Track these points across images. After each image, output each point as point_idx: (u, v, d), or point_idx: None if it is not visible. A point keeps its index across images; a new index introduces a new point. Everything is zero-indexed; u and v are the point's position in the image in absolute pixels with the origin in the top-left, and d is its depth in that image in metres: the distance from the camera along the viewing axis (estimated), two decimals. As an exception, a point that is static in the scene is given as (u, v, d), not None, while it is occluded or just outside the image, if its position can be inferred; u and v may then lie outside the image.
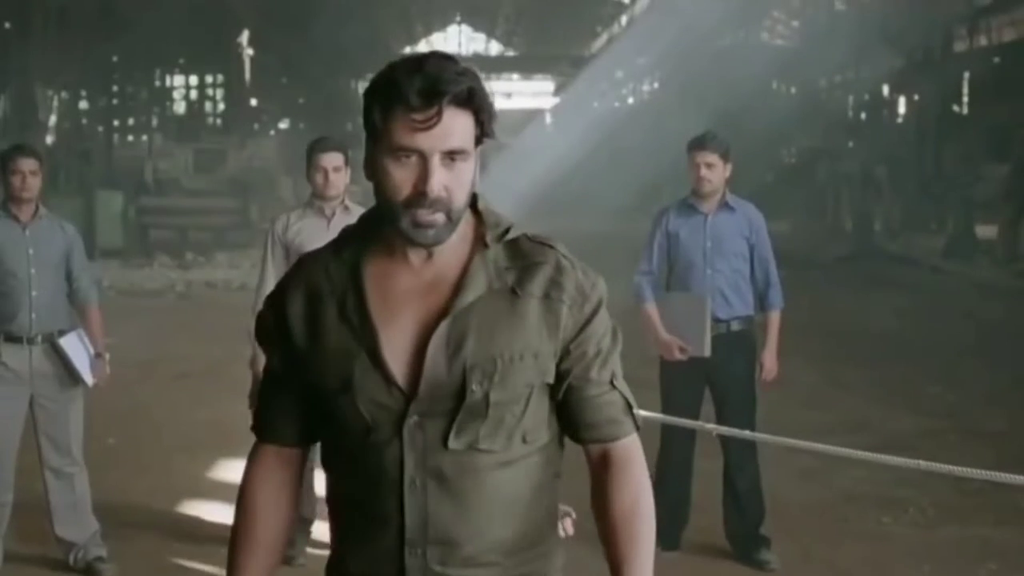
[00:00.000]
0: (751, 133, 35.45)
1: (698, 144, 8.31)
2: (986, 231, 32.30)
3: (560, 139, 47.69)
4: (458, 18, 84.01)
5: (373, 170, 2.80)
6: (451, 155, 2.72)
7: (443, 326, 2.77)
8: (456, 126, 2.72)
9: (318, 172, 8.06)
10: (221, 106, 59.46)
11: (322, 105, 57.61)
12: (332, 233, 8.37)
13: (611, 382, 2.94)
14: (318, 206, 8.16)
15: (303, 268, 2.98)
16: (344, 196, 8.24)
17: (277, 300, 2.97)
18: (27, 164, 7.75)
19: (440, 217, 2.73)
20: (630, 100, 61.07)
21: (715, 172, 8.25)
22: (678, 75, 48.04)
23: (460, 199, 2.77)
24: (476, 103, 2.75)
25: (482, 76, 2.84)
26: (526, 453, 2.86)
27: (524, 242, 2.90)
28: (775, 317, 8.55)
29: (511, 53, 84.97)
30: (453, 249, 2.84)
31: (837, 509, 9.61)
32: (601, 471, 2.95)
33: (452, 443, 2.78)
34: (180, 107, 58.99)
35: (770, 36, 58.25)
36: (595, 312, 2.89)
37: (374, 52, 67.15)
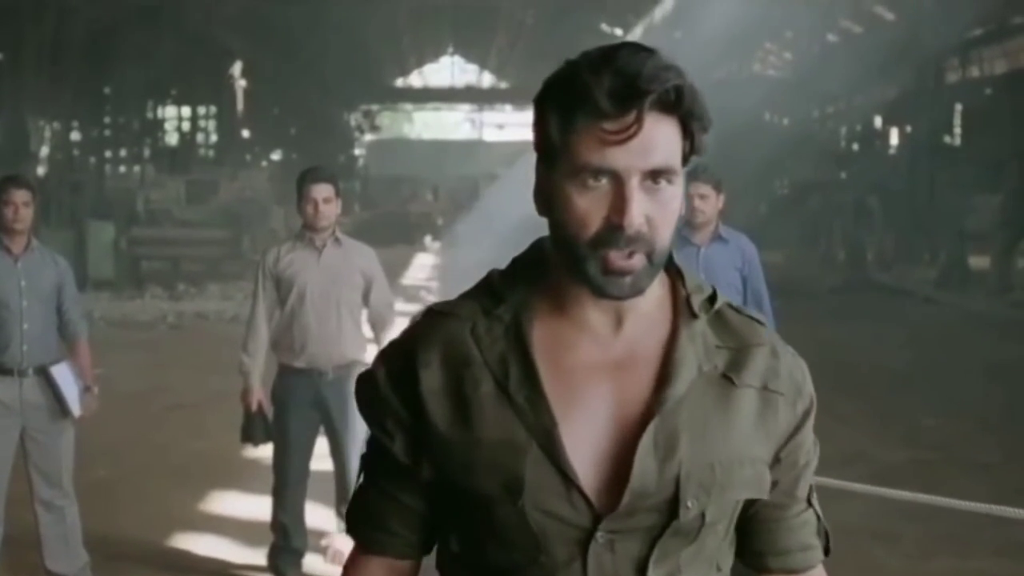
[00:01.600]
0: (744, 164, 35.52)
1: (691, 176, 8.25)
2: (979, 262, 32.33)
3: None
4: (451, 49, 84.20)
5: (547, 200, 2.18)
6: (654, 176, 2.09)
7: (654, 423, 2.13)
8: (660, 137, 2.08)
9: (308, 203, 8.04)
10: (213, 137, 59.57)
11: (314, 136, 57.74)
12: (323, 265, 8.43)
13: (808, 499, 2.42)
14: (309, 238, 8.14)
15: (437, 324, 2.27)
16: (335, 228, 8.22)
17: (401, 364, 2.27)
18: (20, 195, 7.71)
19: (639, 261, 2.10)
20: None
21: (708, 203, 8.24)
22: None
23: (664, 236, 2.14)
24: (685, 107, 2.10)
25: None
26: None
27: (731, 314, 2.30)
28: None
29: (504, 85, 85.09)
30: (649, 316, 2.23)
31: (831, 541, 9.56)
32: None
33: (652, 572, 2.17)
34: (172, 138, 59.02)
35: (763, 67, 58.42)
36: (808, 411, 2.32)
37: (366, 83, 67.48)
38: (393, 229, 48.84)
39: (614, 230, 2.07)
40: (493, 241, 35.52)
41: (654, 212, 2.10)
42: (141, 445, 12.79)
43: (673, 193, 2.14)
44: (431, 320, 2.30)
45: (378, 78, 74.19)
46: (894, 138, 45.79)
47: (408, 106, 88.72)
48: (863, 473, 10.35)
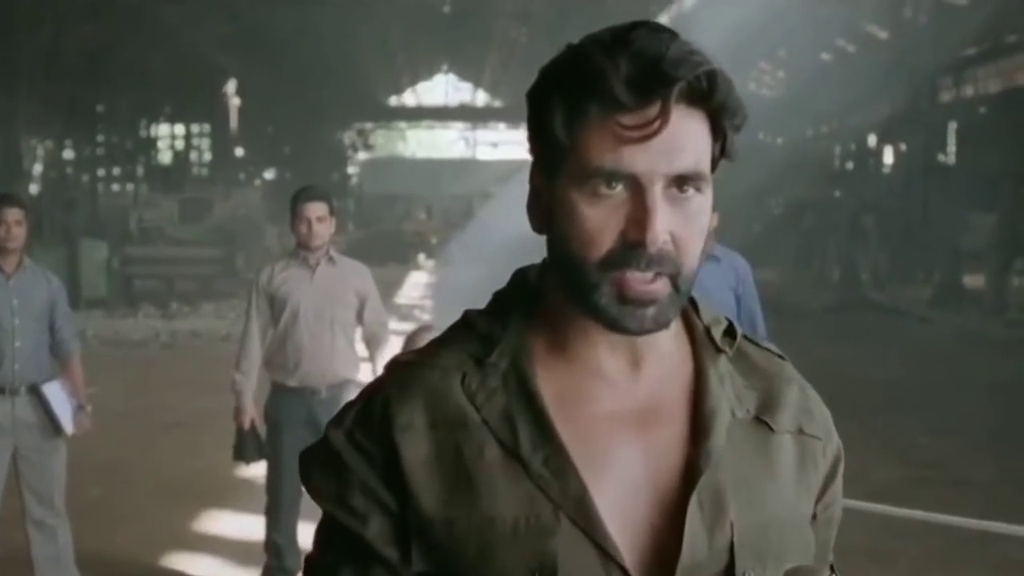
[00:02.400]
0: (738, 183, 35.55)
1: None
2: (973, 281, 32.38)
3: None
4: (445, 67, 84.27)
5: (546, 213, 1.83)
6: (680, 183, 1.72)
7: (699, 485, 1.78)
8: (688, 135, 1.72)
9: (302, 222, 8.03)
10: (207, 156, 59.59)
11: (308, 154, 57.80)
12: (317, 284, 8.40)
13: (831, 565, 2.10)
14: (303, 256, 8.13)
15: (412, 378, 1.83)
16: (329, 246, 8.21)
17: (369, 427, 1.80)
18: (12, 214, 7.70)
19: (663, 286, 1.72)
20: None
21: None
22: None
23: (692, 256, 1.75)
24: (718, 99, 1.73)
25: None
26: None
27: (751, 348, 1.97)
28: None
29: (498, 103, 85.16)
30: (669, 355, 1.87)
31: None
32: None
33: None
34: (166, 157, 59.02)
35: (757, 87, 58.47)
36: (839, 456, 2.01)
37: (360, 102, 67.56)
38: (387, 248, 48.85)
39: (632, 248, 1.70)
40: (487, 260, 35.55)
41: (680, 226, 1.73)
42: (134, 464, 12.76)
43: (702, 204, 1.76)
44: (403, 372, 1.85)
45: (372, 96, 74.27)
46: (888, 157, 45.86)
47: (402, 124, 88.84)
48: (858, 491, 10.31)
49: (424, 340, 5.60)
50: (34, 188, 40.18)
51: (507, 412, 1.77)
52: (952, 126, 39.97)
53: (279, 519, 8.23)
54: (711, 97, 1.72)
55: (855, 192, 42.05)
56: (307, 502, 8.36)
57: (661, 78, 1.66)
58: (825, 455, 1.95)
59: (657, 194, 1.69)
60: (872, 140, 45.92)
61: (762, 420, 1.87)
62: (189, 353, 23.20)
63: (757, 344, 1.98)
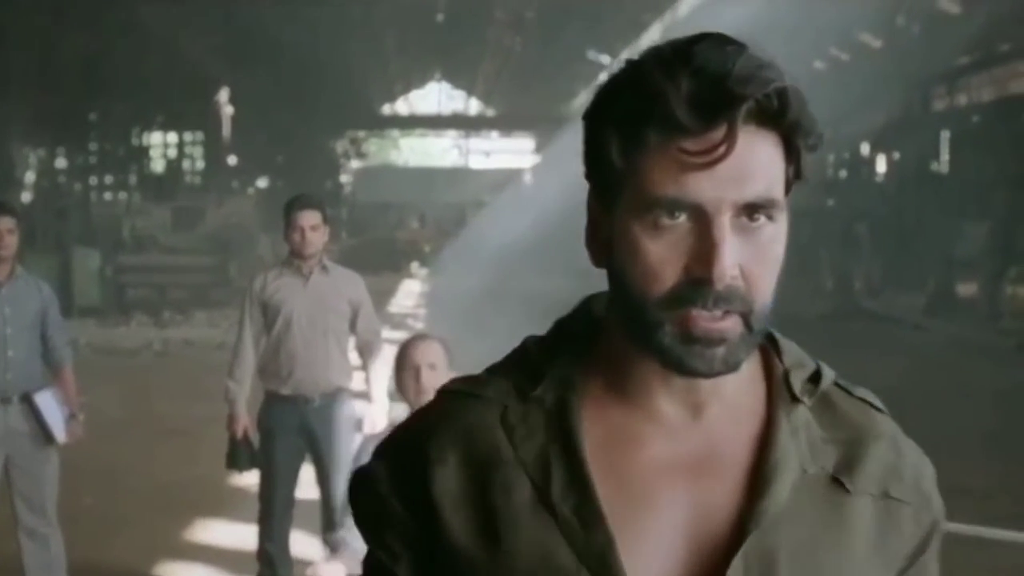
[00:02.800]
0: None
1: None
2: (967, 289, 32.42)
3: (540, 197, 47.83)
4: (438, 75, 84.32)
5: (605, 246, 1.68)
6: (751, 211, 1.57)
7: (745, 546, 1.62)
8: (758, 159, 1.57)
9: (295, 231, 8.02)
10: (200, 164, 59.56)
11: (301, 163, 57.78)
12: (310, 292, 8.41)
13: None
14: (296, 265, 8.13)
15: (455, 409, 1.74)
16: (322, 255, 8.20)
17: (408, 459, 1.73)
18: (4, 222, 7.70)
19: (733, 324, 1.58)
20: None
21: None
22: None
23: (765, 291, 1.63)
24: (790, 118, 1.58)
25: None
26: None
27: (840, 396, 1.78)
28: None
29: (491, 112, 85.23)
30: (737, 400, 1.71)
31: None
32: None
33: None
34: (158, 165, 58.97)
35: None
36: (936, 526, 1.83)
37: (353, 110, 67.57)
38: (380, 256, 48.78)
39: (698, 285, 1.56)
40: (480, 268, 35.55)
41: (750, 259, 1.59)
42: (126, 473, 12.74)
43: (775, 233, 1.61)
44: (447, 403, 1.76)
45: (365, 105, 74.26)
46: (882, 165, 45.92)
47: (395, 133, 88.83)
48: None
49: (419, 349, 5.60)
50: (26, 196, 40.05)
51: (543, 452, 1.66)
52: (945, 135, 40.05)
53: (272, 528, 8.22)
54: (783, 116, 1.57)
55: (849, 201, 42.09)
56: (299, 511, 8.35)
57: (726, 97, 1.51)
58: (917, 522, 1.77)
59: (724, 224, 1.55)
60: (865, 149, 45.97)
61: (838, 479, 1.69)
62: (182, 361, 23.16)
63: (849, 392, 1.79)
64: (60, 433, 7.85)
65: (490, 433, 1.69)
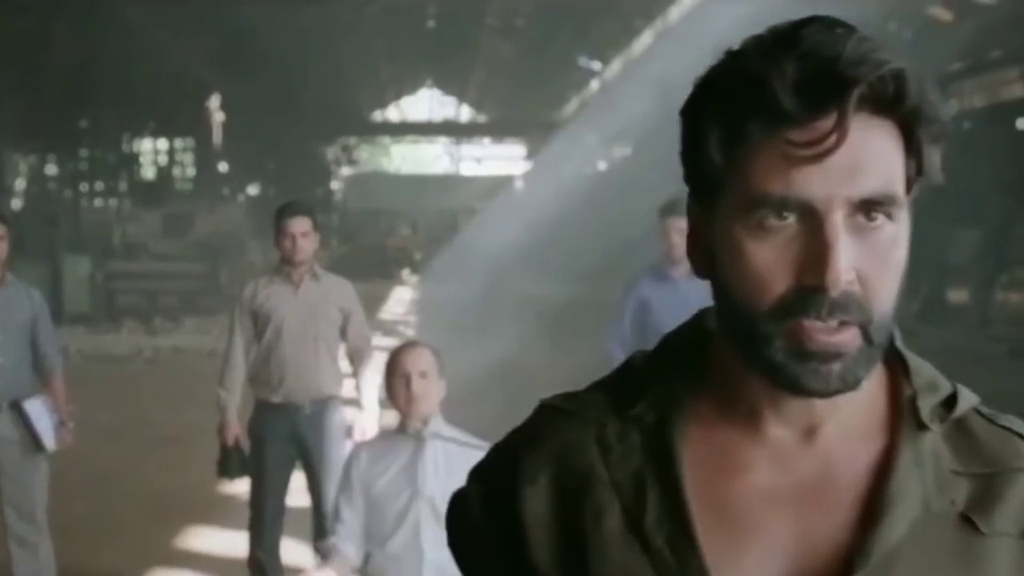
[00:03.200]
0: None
1: (669, 210, 8.31)
2: (958, 295, 32.51)
3: (531, 204, 47.83)
4: (429, 82, 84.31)
5: (708, 254, 1.53)
6: (867, 209, 1.42)
7: None
8: (873, 149, 1.42)
9: (286, 238, 8.02)
10: (190, 171, 59.52)
11: (292, 170, 57.80)
12: (300, 300, 8.40)
13: None
14: (286, 272, 8.12)
15: (551, 425, 1.64)
16: (313, 262, 8.20)
17: (501, 479, 1.63)
18: (-6, 230, 7.69)
19: (852, 336, 1.42)
20: (603, 165, 61.27)
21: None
22: (650, 141, 48.43)
23: (886, 300, 1.45)
24: (909, 104, 1.43)
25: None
26: None
27: (980, 424, 1.58)
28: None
29: (482, 118, 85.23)
30: (855, 424, 1.55)
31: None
32: None
33: None
34: (149, 171, 58.92)
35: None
36: None
37: (344, 116, 67.61)
38: (371, 263, 48.73)
39: (810, 293, 1.40)
40: (471, 275, 35.51)
41: (868, 263, 1.42)
42: (117, 480, 12.72)
43: (895, 234, 1.45)
44: (544, 419, 1.65)
45: (356, 111, 74.28)
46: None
47: (386, 139, 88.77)
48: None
49: (410, 357, 5.58)
50: (16, 203, 40.11)
51: (639, 476, 1.54)
52: (937, 141, 40.14)
53: (262, 535, 8.21)
54: (900, 102, 1.42)
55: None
56: (290, 518, 8.33)
57: (836, 82, 1.38)
58: None
59: (838, 224, 1.40)
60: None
61: (968, 518, 1.49)
62: (172, 369, 23.13)
63: (991, 420, 1.59)
64: (50, 441, 7.84)
65: (585, 453, 1.57)
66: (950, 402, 1.57)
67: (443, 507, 5.61)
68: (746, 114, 1.41)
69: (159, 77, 41.75)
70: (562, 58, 57.49)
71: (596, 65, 60.08)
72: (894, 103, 1.41)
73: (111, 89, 40.23)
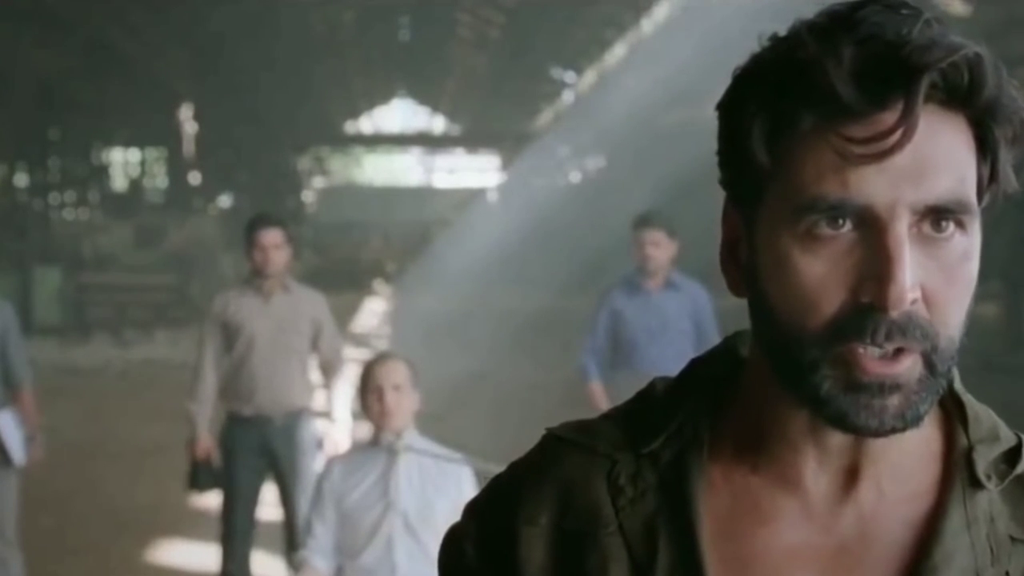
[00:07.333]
0: (700, 211, 35.65)
1: (643, 222, 8.32)
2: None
3: (504, 215, 47.84)
4: (402, 93, 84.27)
5: (749, 268, 1.34)
6: (936, 217, 1.22)
7: None
8: (943, 148, 1.23)
9: (257, 250, 7.99)
10: (161, 182, 59.34)
11: (264, 181, 57.73)
12: (272, 312, 8.37)
13: None
14: (257, 284, 8.10)
15: (557, 460, 1.44)
16: (284, 274, 8.17)
17: (498, 519, 1.44)
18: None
19: (911, 365, 1.23)
20: (576, 177, 61.34)
21: (660, 250, 8.28)
22: (624, 152, 48.40)
23: (953, 324, 1.26)
24: (985, 97, 1.23)
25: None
26: None
27: None
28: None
29: (456, 129, 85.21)
30: (902, 473, 1.35)
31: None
32: None
33: None
34: (120, 183, 58.75)
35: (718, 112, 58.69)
36: None
37: (316, 127, 67.58)
38: (343, 275, 48.69)
39: (867, 313, 1.21)
40: (444, 287, 35.50)
41: (936, 279, 1.23)
42: (87, 494, 12.66)
43: (967, 248, 1.25)
44: (549, 451, 1.46)
45: (328, 122, 74.21)
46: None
47: (359, 150, 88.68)
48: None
49: (383, 369, 5.54)
50: (-14, 214, 39.87)
51: (651, 523, 1.35)
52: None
53: (234, 548, 8.18)
54: (975, 94, 1.23)
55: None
56: (262, 531, 8.30)
57: (902, 69, 1.18)
58: None
59: (902, 233, 1.20)
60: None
61: None
62: (143, 382, 23.05)
63: None
64: (19, 455, 7.78)
65: (592, 493, 1.39)
66: (1013, 455, 1.36)
67: (416, 520, 5.54)
68: (796, 106, 1.23)
69: (130, 87, 41.60)
70: (535, 69, 57.52)
71: (569, 76, 60.14)
72: (968, 95, 1.23)
73: (81, 99, 40.10)
